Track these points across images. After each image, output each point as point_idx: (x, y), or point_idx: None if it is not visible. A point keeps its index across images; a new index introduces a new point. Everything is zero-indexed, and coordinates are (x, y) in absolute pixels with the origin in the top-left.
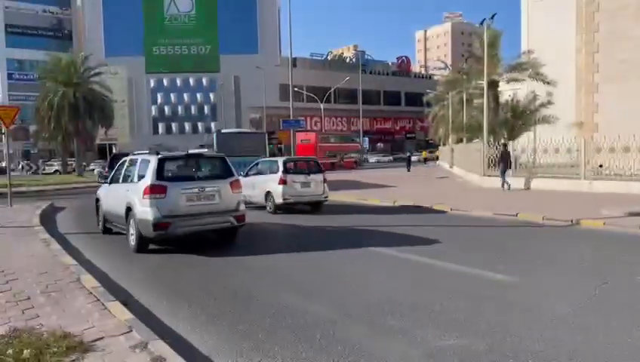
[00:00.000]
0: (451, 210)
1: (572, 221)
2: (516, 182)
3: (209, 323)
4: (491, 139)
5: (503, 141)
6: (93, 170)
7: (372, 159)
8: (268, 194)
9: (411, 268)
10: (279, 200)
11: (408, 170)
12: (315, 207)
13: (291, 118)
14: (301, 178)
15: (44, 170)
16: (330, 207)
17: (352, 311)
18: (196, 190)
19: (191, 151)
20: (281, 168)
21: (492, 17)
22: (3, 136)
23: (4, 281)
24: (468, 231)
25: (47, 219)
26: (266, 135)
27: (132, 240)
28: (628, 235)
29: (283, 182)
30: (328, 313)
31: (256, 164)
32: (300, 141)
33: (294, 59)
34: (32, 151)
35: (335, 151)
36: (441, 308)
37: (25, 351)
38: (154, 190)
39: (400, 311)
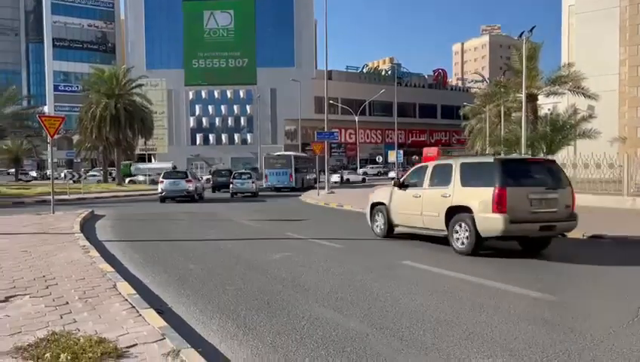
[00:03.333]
0: None
1: (614, 238)
2: None
3: (240, 333)
4: (530, 153)
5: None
6: (133, 179)
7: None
8: None
9: (446, 284)
10: None
11: None
12: None
13: (326, 130)
14: None
15: (85, 178)
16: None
17: (383, 326)
18: None
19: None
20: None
21: (531, 30)
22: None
23: (44, 286)
24: (502, 246)
25: (87, 227)
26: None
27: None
28: None
29: None
30: (360, 326)
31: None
32: (427, 154)
33: (330, 72)
34: (74, 160)
35: None
36: (475, 325)
37: (62, 355)
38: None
39: (433, 327)
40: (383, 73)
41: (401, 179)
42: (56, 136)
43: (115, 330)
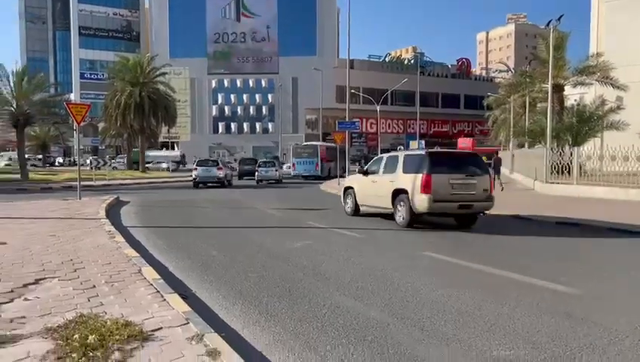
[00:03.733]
0: (516, 217)
1: None
2: (579, 190)
3: (262, 319)
4: (555, 145)
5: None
6: (159, 166)
7: None
8: None
9: (468, 275)
10: None
11: None
12: None
13: (347, 119)
14: None
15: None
16: None
17: (404, 315)
18: None
19: None
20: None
21: (559, 19)
22: (74, 132)
23: (72, 269)
24: (528, 239)
25: (112, 212)
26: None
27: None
28: None
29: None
30: (381, 315)
31: None
32: (461, 145)
33: (352, 61)
34: (99, 147)
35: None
36: (497, 317)
37: (90, 337)
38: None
39: (454, 318)
40: (406, 62)
41: (364, 168)
42: (82, 124)
43: (140, 314)
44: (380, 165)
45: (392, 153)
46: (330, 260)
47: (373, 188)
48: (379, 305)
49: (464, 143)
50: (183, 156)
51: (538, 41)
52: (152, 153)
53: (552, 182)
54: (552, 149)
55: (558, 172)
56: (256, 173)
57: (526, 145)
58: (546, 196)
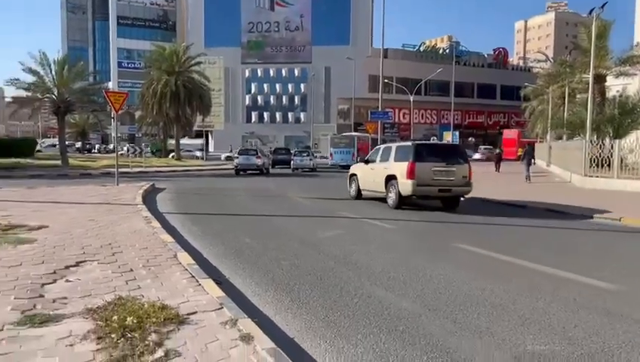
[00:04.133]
0: (548, 211)
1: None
2: (619, 184)
3: (294, 306)
4: (595, 137)
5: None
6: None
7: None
8: None
9: (501, 268)
10: None
11: (497, 170)
12: None
13: (380, 109)
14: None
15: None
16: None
17: (436, 307)
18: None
19: None
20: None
21: (602, 7)
22: (112, 120)
23: (110, 253)
24: (562, 233)
25: (149, 199)
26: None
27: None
28: None
29: None
30: (412, 306)
31: None
32: (507, 136)
33: (386, 51)
34: (136, 135)
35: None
36: (532, 311)
37: (128, 319)
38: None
39: (487, 311)
40: (441, 52)
41: (365, 158)
42: (120, 112)
43: (176, 298)
44: (378, 155)
45: (388, 144)
46: (361, 250)
47: (371, 175)
48: (411, 296)
49: (509, 135)
50: (205, 145)
51: (579, 29)
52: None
53: (592, 176)
54: (591, 141)
55: (597, 165)
56: (292, 162)
57: (564, 138)
58: (583, 190)
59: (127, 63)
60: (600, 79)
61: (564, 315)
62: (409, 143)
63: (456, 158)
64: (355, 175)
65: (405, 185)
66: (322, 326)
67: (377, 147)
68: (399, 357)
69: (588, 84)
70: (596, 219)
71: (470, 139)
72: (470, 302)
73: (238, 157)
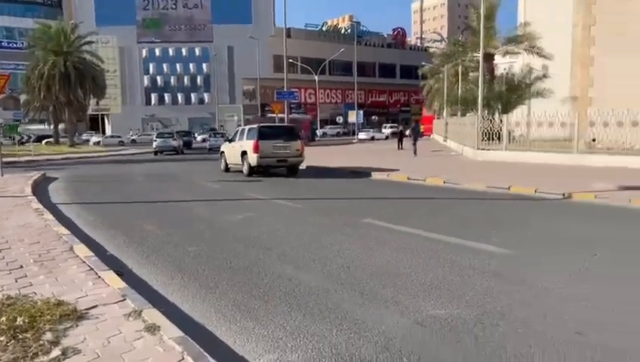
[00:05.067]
0: (445, 182)
1: (564, 194)
2: (508, 156)
3: (202, 292)
4: (486, 112)
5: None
6: (88, 140)
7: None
8: None
9: (405, 240)
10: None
11: (399, 148)
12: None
13: (285, 89)
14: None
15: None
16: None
17: (345, 281)
18: None
19: None
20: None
21: None
22: None
23: None
24: (460, 203)
25: (40, 189)
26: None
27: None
28: (619, 208)
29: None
30: (322, 282)
31: None
32: (425, 116)
33: (289, 30)
34: (21, 121)
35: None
36: (432, 278)
37: (18, 318)
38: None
39: (392, 282)
40: (343, 32)
41: (229, 137)
42: (1, 96)
43: (73, 293)
44: (237, 135)
45: (244, 127)
46: (270, 231)
47: (233, 152)
48: (320, 272)
49: (428, 113)
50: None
51: (470, 10)
52: (32, 127)
53: (483, 149)
54: (482, 117)
55: (489, 138)
56: (207, 143)
57: (459, 114)
58: (475, 161)
59: (8, 43)
60: (489, 58)
61: (460, 280)
62: (255, 126)
63: (292, 136)
64: (224, 152)
65: (253, 158)
66: (232, 309)
67: (236, 129)
68: (310, 332)
69: (479, 62)
70: (487, 189)
71: (373, 117)
72: (376, 274)
73: (156, 140)
